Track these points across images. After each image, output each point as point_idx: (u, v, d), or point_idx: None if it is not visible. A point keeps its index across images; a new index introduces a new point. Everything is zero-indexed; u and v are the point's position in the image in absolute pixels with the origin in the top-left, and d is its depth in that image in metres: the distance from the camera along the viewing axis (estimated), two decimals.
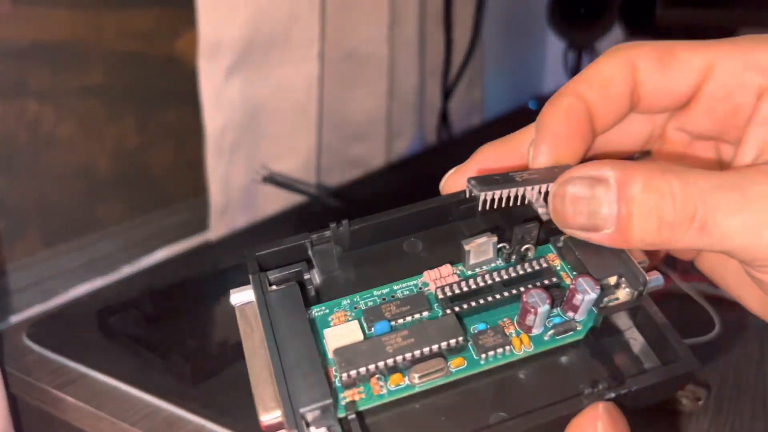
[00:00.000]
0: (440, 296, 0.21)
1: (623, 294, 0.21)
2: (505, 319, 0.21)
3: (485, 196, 0.20)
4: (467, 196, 0.22)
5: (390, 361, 0.19)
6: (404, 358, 0.19)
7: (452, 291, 0.21)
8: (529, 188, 0.20)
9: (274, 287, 0.21)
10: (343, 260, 0.22)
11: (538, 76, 1.26)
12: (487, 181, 0.20)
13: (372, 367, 0.18)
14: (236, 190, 0.60)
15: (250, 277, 0.20)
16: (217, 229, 0.59)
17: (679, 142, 0.24)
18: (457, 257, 0.22)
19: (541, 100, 1.27)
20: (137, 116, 0.56)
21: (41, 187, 0.50)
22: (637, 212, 0.18)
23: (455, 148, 0.88)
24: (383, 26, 0.72)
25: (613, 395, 0.18)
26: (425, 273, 0.22)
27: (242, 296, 0.20)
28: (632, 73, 0.21)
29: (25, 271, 0.49)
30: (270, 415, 0.18)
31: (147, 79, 0.56)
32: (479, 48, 0.95)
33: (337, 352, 0.19)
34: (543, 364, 0.20)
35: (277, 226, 0.61)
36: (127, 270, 0.54)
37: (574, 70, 1.07)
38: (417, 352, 0.19)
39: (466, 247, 0.21)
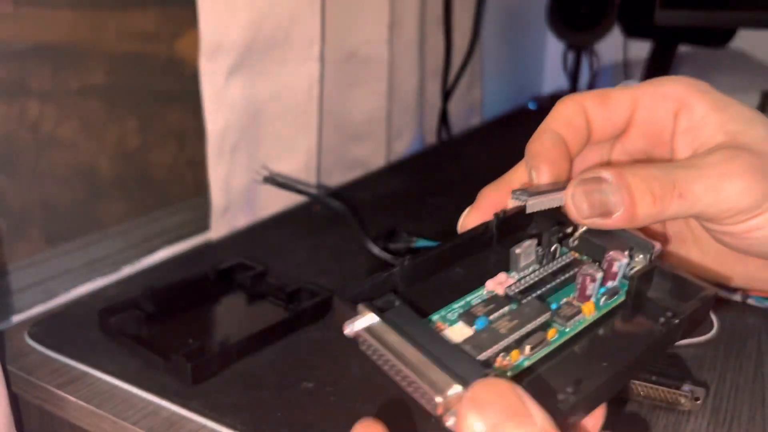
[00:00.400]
0: (510, 294, 0.25)
1: (639, 261, 0.27)
2: (565, 299, 0.26)
3: (533, 200, 0.26)
4: (518, 203, 0.27)
5: (507, 341, 0.23)
6: (516, 336, 0.23)
7: (518, 288, 0.25)
8: (557, 194, 0.26)
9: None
10: (413, 291, 0.26)
11: (537, 77, 1.26)
12: (527, 191, 0.26)
13: (497, 347, 0.23)
14: (237, 191, 0.60)
15: (359, 306, 0.23)
16: (217, 229, 0.59)
17: (623, 161, 0.31)
18: (504, 268, 0.27)
19: (540, 101, 1.27)
20: (138, 117, 0.56)
21: (43, 187, 0.50)
22: (636, 192, 0.24)
23: (455, 148, 0.88)
24: (383, 27, 0.72)
25: (677, 321, 0.24)
26: (487, 282, 0.26)
27: (356, 325, 0.22)
28: (583, 111, 0.28)
29: (27, 271, 0.49)
30: (443, 394, 0.20)
31: (148, 79, 0.56)
32: (479, 48, 0.96)
33: (465, 342, 0.23)
34: (610, 324, 0.25)
35: (277, 226, 0.61)
36: (128, 270, 0.55)
37: (574, 70, 1.07)
38: (524, 330, 0.23)
39: (517, 251, 0.26)
